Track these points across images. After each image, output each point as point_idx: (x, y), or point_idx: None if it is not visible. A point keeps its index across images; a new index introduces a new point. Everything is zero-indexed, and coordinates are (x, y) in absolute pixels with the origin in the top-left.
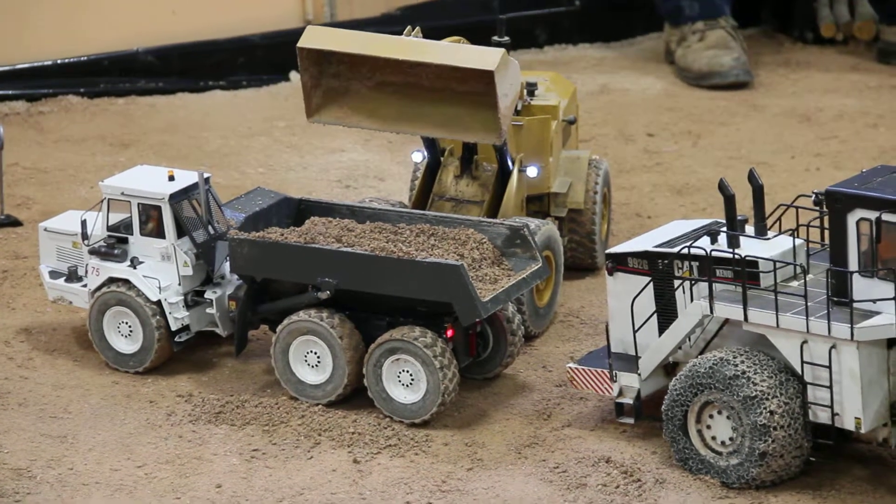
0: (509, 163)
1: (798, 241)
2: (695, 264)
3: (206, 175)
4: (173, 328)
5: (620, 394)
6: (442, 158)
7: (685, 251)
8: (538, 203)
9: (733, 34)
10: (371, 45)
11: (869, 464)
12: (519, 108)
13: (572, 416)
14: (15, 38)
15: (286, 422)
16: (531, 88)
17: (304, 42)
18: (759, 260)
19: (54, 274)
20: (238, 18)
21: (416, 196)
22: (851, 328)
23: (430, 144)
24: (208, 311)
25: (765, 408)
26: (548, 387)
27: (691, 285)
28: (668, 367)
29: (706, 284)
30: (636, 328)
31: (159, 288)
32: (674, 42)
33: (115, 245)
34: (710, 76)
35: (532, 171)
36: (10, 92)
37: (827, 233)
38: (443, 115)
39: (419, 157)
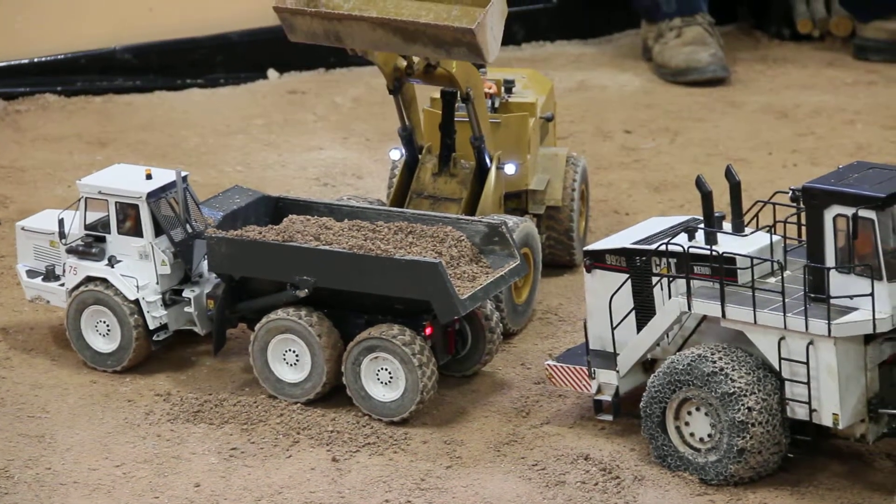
0: (487, 160)
1: (775, 238)
2: (672, 261)
3: (183, 174)
4: (151, 327)
5: (599, 391)
6: (420, 156)
7: (663, 248)
8: (516, 200)
9: (710, 30)
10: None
11: (847, 460)
12: (496, 105)
13: (551, 414)
14: None
15: (265, 420)
16: (508, 86)
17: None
18: (737, 256)
19: (32, 273)
20: (216, 16)
21: (395, 193)
22: (829, 324)
23: (409, 141)
24: (186, 309)
25: (743, 404)
26: (526, 384)
27: (669, 282)
28: (647, 364)
29: (684, 281)
30: (614, 325)
31: (137, 287)
32: (651, 38)
33: (92, 244)
34: (688, 72)
35: (510, 169)
36: None
37: (804, 229)
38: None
39: (397, 154)
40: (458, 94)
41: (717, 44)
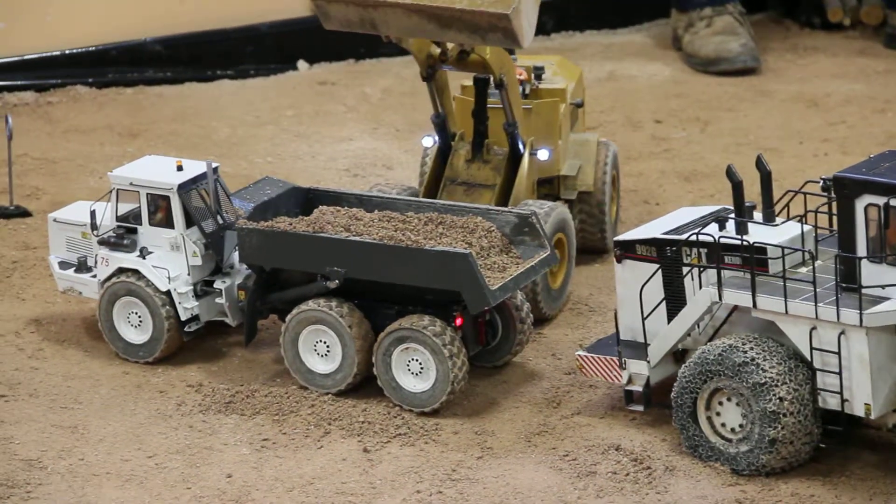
0: (520, 146)
1: (806, 228)
2: (703, 251)
3: (214, 165)
4: (183, 318)
5: (630, 381)
6: (453, 143)
7: (693, 238)
8: (548, 186)
9: (741, 20)
10: None
11: (879, 450)
12: (527, 91)
13: (582, 404)
14: (23, 29)
15: (296, 411)
16: (538, 72)
17: None
18: (768, 246)
19: (64, 264)
20: (246, 7)
21: (428, 181)
22: (860, 314)
23: (442, 128)
24: (218, 300)
25: (774, 394)
26: (557, 375)
27: (700, 272)
28: (678, 355)
29: (715, 271)
30: (645, 316)
31: (169, 278)
32: (681, 28)
33: (124, 235)
34: (718, 62)
35: (543, 154)
36: (19, 82)
37: (835, 219)
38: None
39: (429, 141)
40: (492, 80)
41: (747, 33)
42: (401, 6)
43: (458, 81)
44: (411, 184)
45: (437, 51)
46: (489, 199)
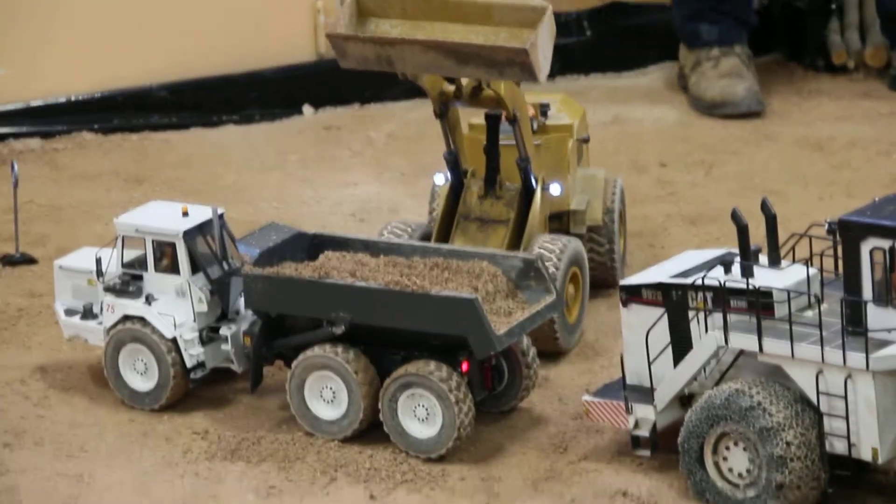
0: (533, 181)
1: (812, 271)
2: (709, 295)
3: (219, 211)
4: (189, 365)
5: (636, 426)
6: (465, 180)
7: (699, 282)
8: (557, 221)
9: (747, 62)
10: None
11: (887, 494)
12: (535, 127)
13: (588, 449)
14: (28, 75)
15: (302, 458)
16: (544, 109)
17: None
18: (773, 290)
19: (70, 312)
20: (250, 52)
21: (441, 218)
22: (867, 358)
23: (454, 165)
24: (223, 347)
25: (781, 439)
26: (564, 419)
27: (706, 316)
28: (684, 399)
29: (720, 315)
30: (651, 360)
31: (174, 325)
32: (689, 66)
33: (129, 282)
34: (723, 106)
35: (555, 189)
36: (24, 129)
37: (841, 262)
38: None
39: (441, 179)
40: (504, 116)
41: (752, 76)
42: (419, 43)
43: (465, 119)
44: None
45: (450, 88)
46: (503, 234)
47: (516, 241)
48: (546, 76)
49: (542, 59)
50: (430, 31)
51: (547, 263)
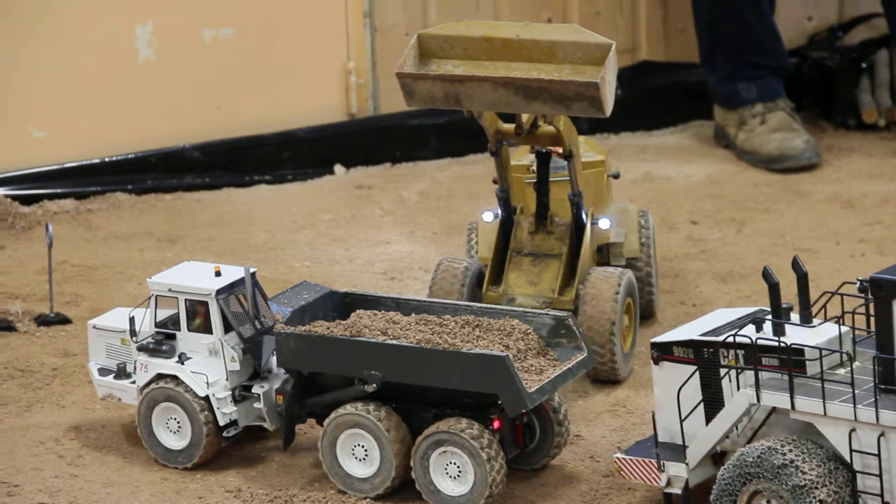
0: (583, 216)
1: (844, 329)
2: (740, 353)
3: (252, 270)
4: (221, 423)
5: (668, 483)
6: (515, 217)
7: (730, 340)
8: (598, 255)
9: (792, 115)
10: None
11: None
12: None
13: None
14: (63, 138)
15: None
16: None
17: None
18: (805, 348)
19: (103, 371)
20: (282, 113)
21: (494, 254)
22: None
23: (506, 202)
24: (256, 405)
25: (814, 497)
26: (595, 477)
27: (737, 374)
28: (716, 457)
29: (752, 373)
30: (683, 417)
31: (207, 383)
32: (731, 125)
33: (163, 341)
34: (783, 159)
35: (605, 224)
36: (59, 190)
37: (873, 320)
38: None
39: (490, 216)
40: (560, 152)
41: (803, 128)
42: (489, 80)
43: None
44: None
45: (507, 126)
46: (556, 268)
47: (568, 274)
48: (611, 109)
49: (609, 93)
50: (492, 70)
51: (605, 295)
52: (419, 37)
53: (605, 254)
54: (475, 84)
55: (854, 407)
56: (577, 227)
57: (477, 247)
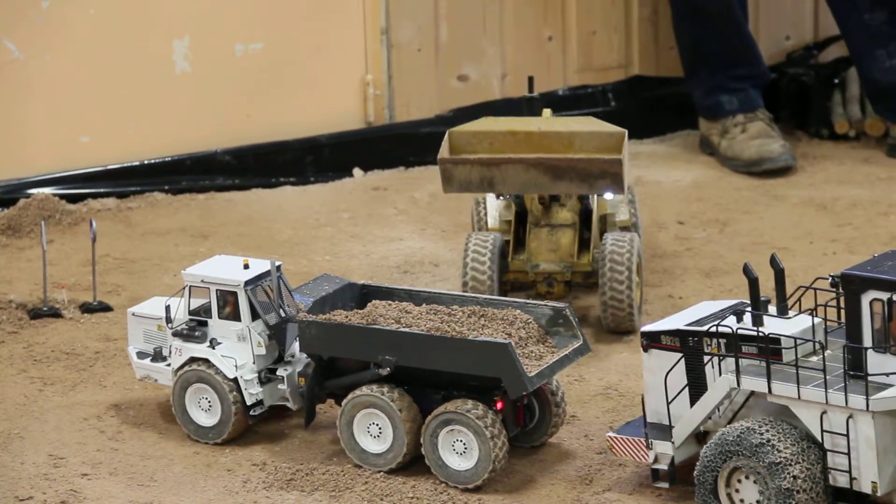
0: None
1: (817, 320)
2: (722, 342)
3: (277, 263)
4: (248, 403)
5: (656, 460)
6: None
7: (714, 330)
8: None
9: (770, 124)
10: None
11: None
12: None
13: (612, 481)
14: (106, 142)
15: (351, 488)
16: None
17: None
18: (782, 337)
19: (141, 354)
20: (306, 120)
21: (514, 227)
22: (867, 399)
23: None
24: (280, 387)
25: (788, 473)
26: (589, 454)
27: (719, 361)
28: (700, 436)
29: (733, 360)
30: (670, 400)
31: (236, 366)
32: (715, 135)
33: (195, 328)
34: (761, 162)
35: (609, 196)
36: (102, 190)
37: (843, 312)
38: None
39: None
40: None
41: (780, 135)
42: (522, 161)
43: None
44: (454, 281)
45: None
46: (572, 235)
47: (582, 241)
48: (626, 191)
49: (626, 174)
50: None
51: (622, 258)
52: (450, 133)
53: (602, 223)
54: (509, 167)
55: (825, 391)
56: (581, 200)
57: (486, 218)
